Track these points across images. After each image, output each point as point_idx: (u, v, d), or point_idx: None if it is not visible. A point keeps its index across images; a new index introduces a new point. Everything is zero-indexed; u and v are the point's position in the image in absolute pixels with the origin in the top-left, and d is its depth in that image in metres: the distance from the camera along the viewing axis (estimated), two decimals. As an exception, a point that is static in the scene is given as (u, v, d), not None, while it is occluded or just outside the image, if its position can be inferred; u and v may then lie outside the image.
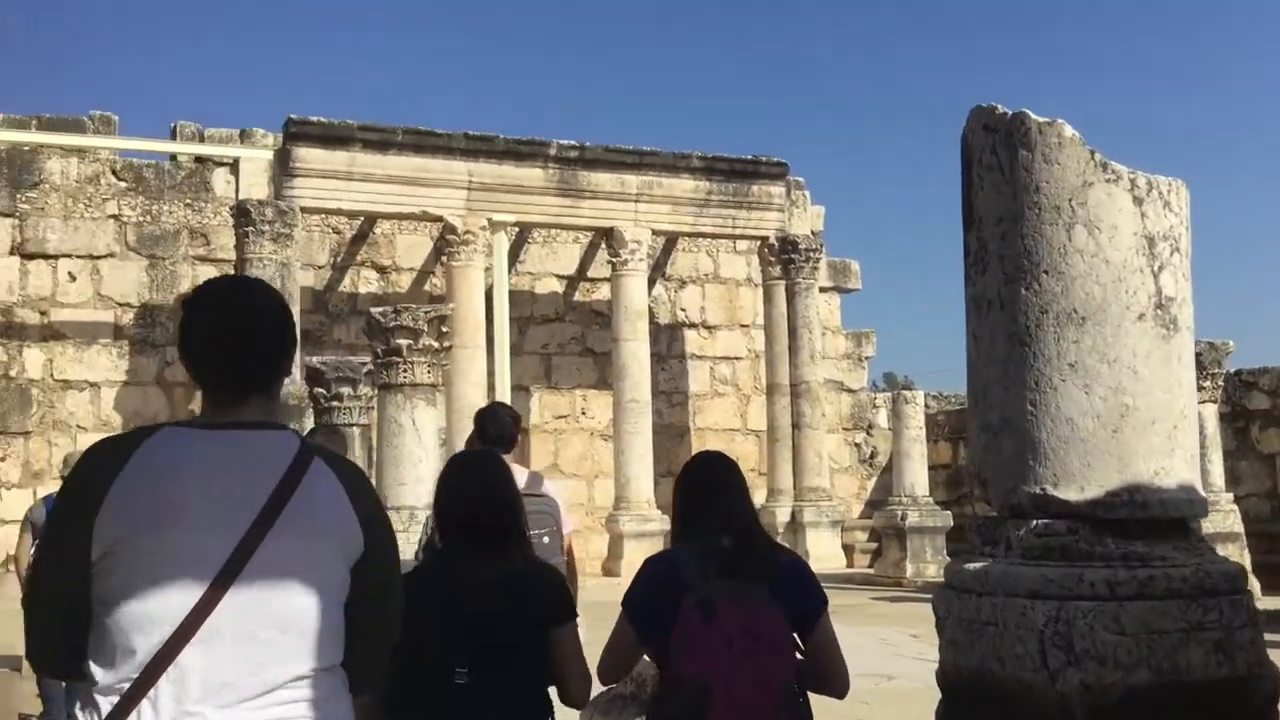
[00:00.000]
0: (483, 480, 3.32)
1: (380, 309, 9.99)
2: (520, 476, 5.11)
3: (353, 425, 11.83)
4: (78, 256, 18.10)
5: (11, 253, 17.81)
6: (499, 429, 5.46)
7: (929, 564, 16.95)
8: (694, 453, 3.95)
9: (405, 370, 9.74)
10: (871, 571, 18.05)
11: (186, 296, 2.21)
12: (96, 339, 18.11)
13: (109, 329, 18.21)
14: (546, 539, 4.92)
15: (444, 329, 9.90)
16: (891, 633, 11.56)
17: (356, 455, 11.81)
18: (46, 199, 18.00)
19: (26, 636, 2.08)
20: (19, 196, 17.84)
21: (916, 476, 17.25)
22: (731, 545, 3.19)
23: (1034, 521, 3.57)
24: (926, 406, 18.86)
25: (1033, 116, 3.62)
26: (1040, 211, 3.57)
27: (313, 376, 11.99)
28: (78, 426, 17.87)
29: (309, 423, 12.87)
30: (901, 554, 17.02)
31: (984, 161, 3.74)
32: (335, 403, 11.77)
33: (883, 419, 22.89)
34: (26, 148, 17.88)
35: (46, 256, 17.95)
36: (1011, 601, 3.49)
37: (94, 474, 1.98)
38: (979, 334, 3.81)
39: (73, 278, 18.07)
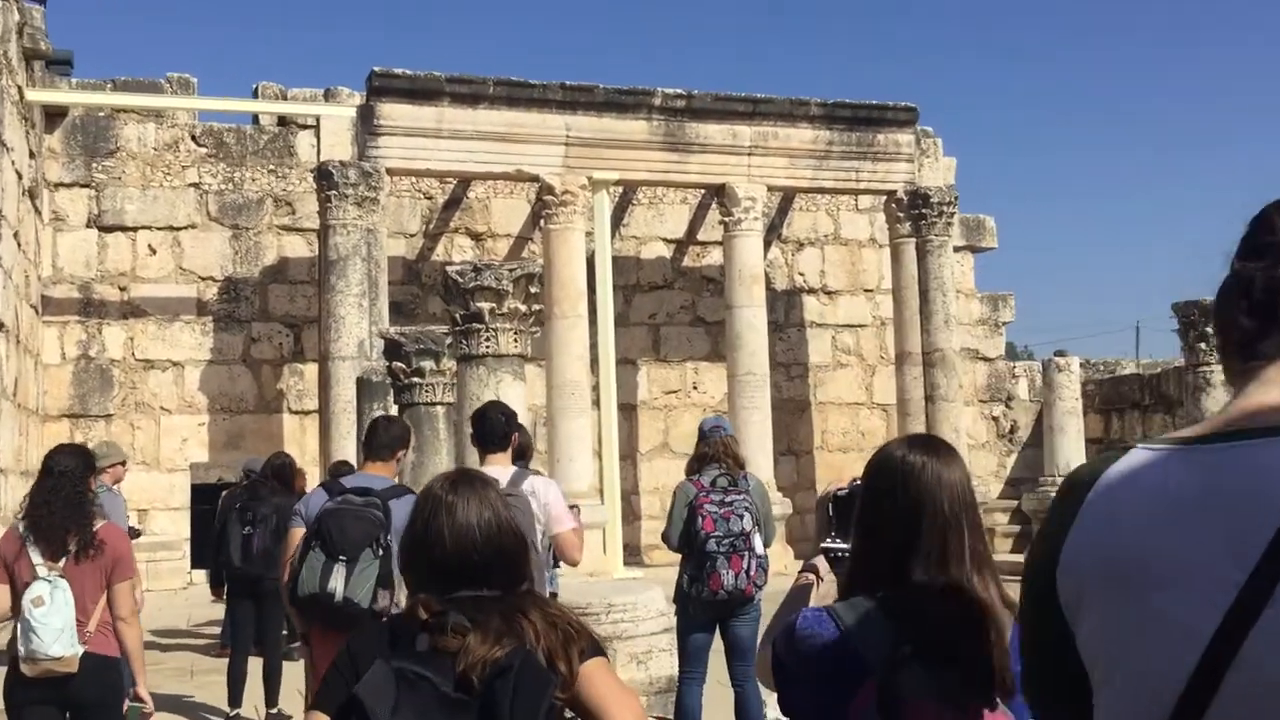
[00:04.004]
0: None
1: (457, 267, 8.54)
2: (503, 475, 5.02)
3: (436, 404, 10.46)
4: (157, 228, 17.11)
5: (89, 225, 16.89)
6: (489, 429, 5.45)
7: (1088, 553, 15.05)
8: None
9: (488, 339, 8.29)
10: (1020, 560, 16.15)
11: None
12: (179, 315, 17.12)
13: (192, 304, 17.20)
14: None
15: (532, 289, 8.41)
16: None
17: (441, 441, 10.45)
18: (124, 167, 17.02)
19: None
20: (95, 165, 16.90)
21: (1072, 453, 15.33)
22: (938, 619, 2.00)
23: None
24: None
25: None
26: None
27: (390, 349, 10.63)
28: (161, 408, 16.93)
29: (391, 403, 11.53)
30: (1057, 541, 15.11)
31: None
32: (416, 379, 10.36)
33: (1023, 389, 20.91)
34: (101, 112, 16.92)
35: (125, 229, 16.99)
36: None
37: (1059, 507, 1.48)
38: None
39: (153, 251, 17.08)
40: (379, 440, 5.38)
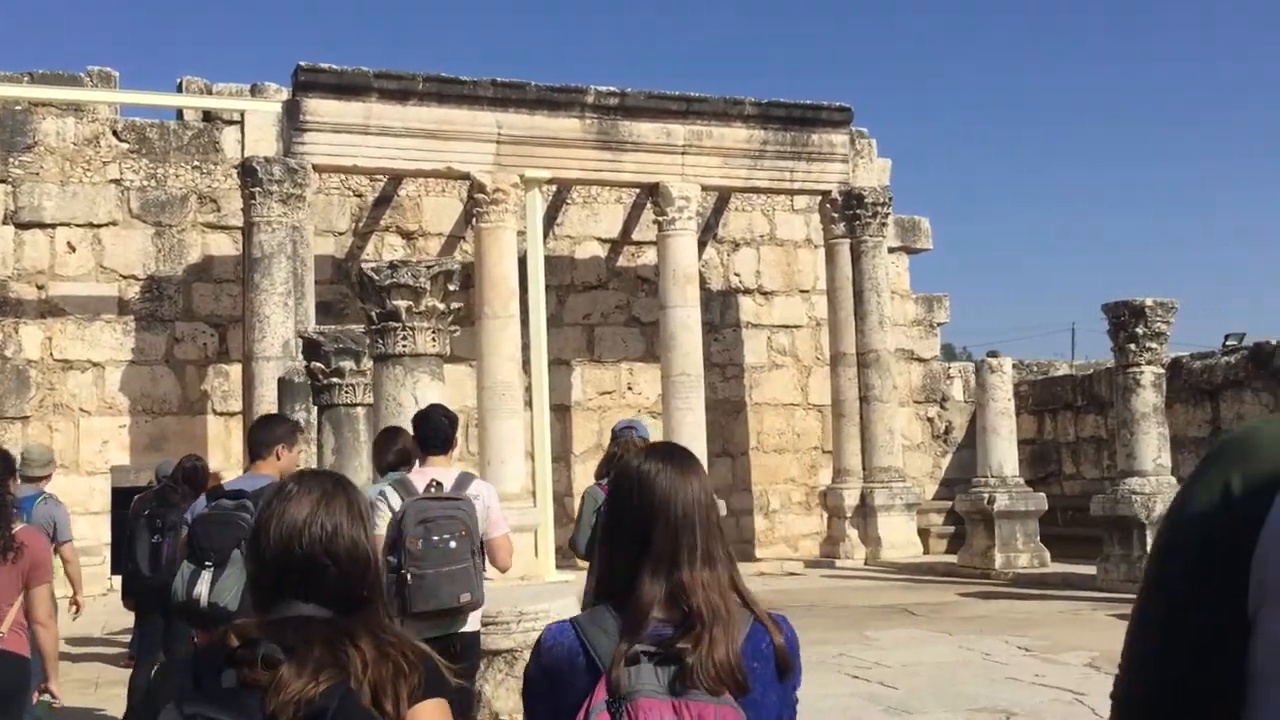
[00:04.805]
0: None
1: (373, 263, 8.30)
2: (447, 477, 5.22)
3: (356, 405, 10.20)
4: (77, 225, 16.61)
5: (5, 222, 16.34)
6: (432, 431, 5.41)
7: (1021, 553, 15.08)
8: (644, 444, 2.67)
9: (405, 338, 8.03)
10: (954, 560, 16.19)
11: None
12: (99, 315, 16.64)
13: (112, 304, 16.73)
14: (454, 544, 4.88)
15: (451, 287, 8.17)
16: (996, 644, 9.73)
17: (361, 444, 10.18)
18: (42, 163, 16.51)
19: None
20: (11, 161, 16.36)
21: (1005, 454, 15.33)
22: (665, 619, 2.09)
23: None
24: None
25: None
26: None
27: (309, 349, 10.36)
28: (80, 410, 16.44)
29: (312, 404, 11.23)
30: (989, 542, 15.13)
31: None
32: (335, 379, 10.12)
33: (957, 390, 20.97)
34: (19, 106, 16.40)
35: (43, 226, 16.47)
36: None
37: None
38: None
39: (72, 248, 16.59)
40: (257, 438, 5.44)
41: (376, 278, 8.07)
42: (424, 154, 15.90)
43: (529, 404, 16.63)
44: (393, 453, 5.79)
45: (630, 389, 19.13)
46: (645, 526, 2.13)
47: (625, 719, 1.98)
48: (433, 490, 5.16)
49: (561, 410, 18.30)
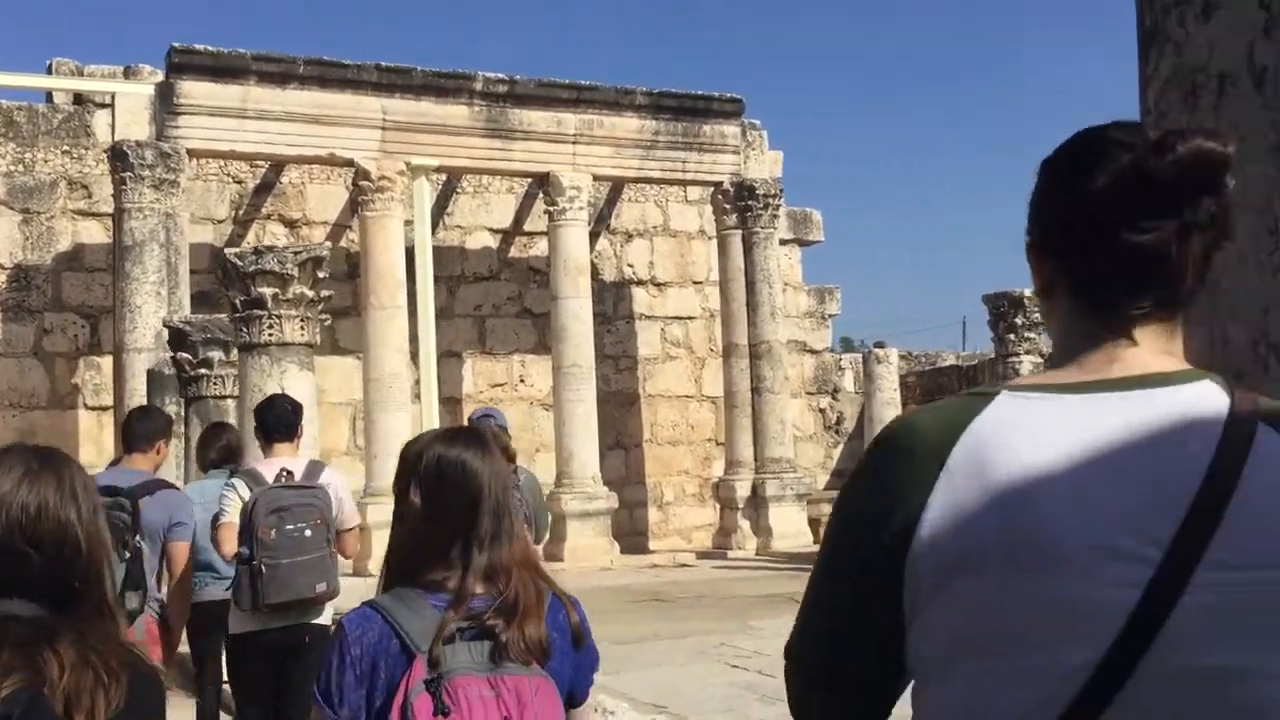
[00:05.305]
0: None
1: (236, 249, 7.99)
2: (296, 466, 5.12)
3: (226, 398, 9.87)
4: (-63, 211, 15.85)
5: None
6: (276, 418, 5.29)
7: (906, 541, 15.23)
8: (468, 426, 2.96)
9: (271, 326, 7.75)
10: (842, 550, 16.30)
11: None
12: (-38, 305, 15.90)
13: (-24, 294, 16.00)
14: (309, 532, 4.80)
15: (320, 274, 7.91)
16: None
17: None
18: (-102, 145, 15.71)
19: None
20: None
21: (891, 444, 15.47)
22: (482, 594, 2.15)
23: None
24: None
25: None
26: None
27: (176, 339, 9.99)
28: (-58, 405, 15.69)
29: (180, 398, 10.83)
30: (876, 531, 15.25)
31: None
32: (203, 370, 9.81)
33: (849, 381, 21.15)
34: None
35: (-101, 211, 15.69)
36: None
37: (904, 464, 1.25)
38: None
39: (-68, 236, 15.82)
40: (138, 430, 5.30)
41: (241, 264, 7.78)
42: (305, 139, 15.48)
43: (418, 397, 16.33)
44: (215, 450, 5.77)
45: (523, 381, 18.91)
46: (457, 507, 2.19)
47: (445, 697, 2.02)
48: (284, 479, 5.00)
49: (452, 403, 18.00)
